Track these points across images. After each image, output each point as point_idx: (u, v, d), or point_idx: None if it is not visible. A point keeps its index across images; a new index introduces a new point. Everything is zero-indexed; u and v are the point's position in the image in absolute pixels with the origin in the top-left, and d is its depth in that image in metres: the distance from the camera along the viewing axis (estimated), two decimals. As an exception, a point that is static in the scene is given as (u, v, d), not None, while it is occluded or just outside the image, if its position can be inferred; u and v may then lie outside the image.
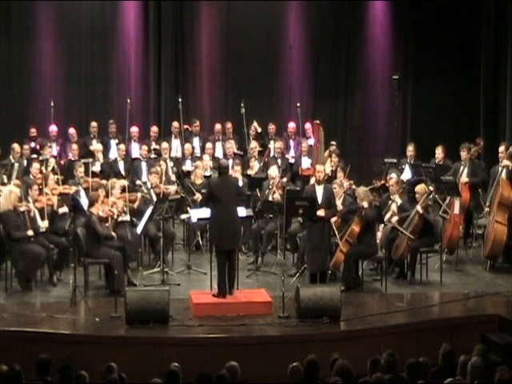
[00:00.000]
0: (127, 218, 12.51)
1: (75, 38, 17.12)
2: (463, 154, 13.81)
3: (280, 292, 10.73)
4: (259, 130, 16.05)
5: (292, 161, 15.87)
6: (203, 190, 13.18)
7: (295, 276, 12.17)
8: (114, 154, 15.75)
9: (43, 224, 12.01)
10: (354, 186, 13.32)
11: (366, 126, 17.88)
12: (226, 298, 10.92)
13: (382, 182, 13.58)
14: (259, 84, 17.33)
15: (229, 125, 16.43)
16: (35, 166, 13.83)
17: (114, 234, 12.07)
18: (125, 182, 13.77)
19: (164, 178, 13.79)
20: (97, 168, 14.76)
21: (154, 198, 13.12)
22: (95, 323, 10.36)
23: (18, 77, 16.96)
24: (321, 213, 11.89)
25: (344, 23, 17.76)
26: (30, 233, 11.70)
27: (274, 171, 13.82)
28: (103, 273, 12.03)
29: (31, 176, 13.58)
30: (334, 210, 12.16)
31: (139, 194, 13.31)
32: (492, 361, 8.36)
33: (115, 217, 12.15)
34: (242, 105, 16.24)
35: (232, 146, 15.72)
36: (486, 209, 13.17)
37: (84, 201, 12.45)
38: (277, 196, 13.38)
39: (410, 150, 14.78)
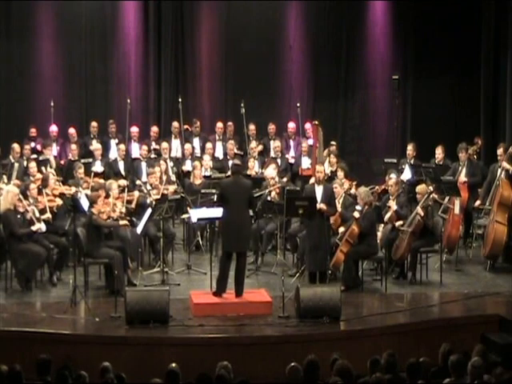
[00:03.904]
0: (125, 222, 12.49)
1: (75, 37, 17.11)
2: (461, 156, 13.84)
3: (280, 292, 10.73)
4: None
5: (292, 161, 15.89)
6: (203, 190, 13.23)
7: (295, 276, 12.17)
8: (114, 154, 15.76)
9: (42, 225, 11.96)
10: (353, 190, 13.30)
11: (365, 126, 17.88)
12: (222, 297, 10.94)
13: (383, 187, 13.57)
14: (259, 84, 17.33)
15: (230, 124, 16.44)
16: (32, 165, 13.85)
17: (123, 222, 12.12)
18: (124, 182, 13.78)
19: (164, 179, 13.78)
20: (97, 168, 14.76)
21: (152, 199, 13.12)
22: (95, 323, 10.36)
23: (18, 77, 16.96)
24: (323, 206, 11.85)
25: (344, 23, 17.76)
26: (35, 227, 11.69)
27: (270, 172, 13.82)
28: (103, 273, 12.03)
29: (31, 177, 13.60)
30: (333, 208, 12.16)
31: (136, 193, 13.32)
32: (492, 361, 8.35)
33: (115, 217, 12.15)
34: (242, 105, 16.25)
35: (233, 146, 15.73)
36: (478, 201, 13.23)
37: (84, 201, 12.45)
38: (274, 195, 13.39)
39: (410, 149, 14.77)
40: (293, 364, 7.70)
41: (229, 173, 14.24)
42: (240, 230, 10.97)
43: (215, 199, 11.99)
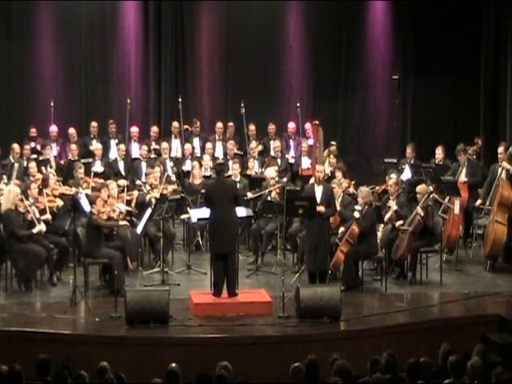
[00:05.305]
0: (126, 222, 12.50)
1: (75, 37, 17.11)
2: (460, 158, 13.85)
3: (280, 292, 10.73)
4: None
5: (292, 161, 15.88)
6: (203, 190, 13.23)
7: (297, 273, 12.16)
8: (114, 154, 15.76)
9: (43, 226, 11.92)
10: (351, 189, 13.31)
11: (365, 126, 17.88)
12: (222, 297, 10.94)
13: (383, 187, 13.58)
14: (259, 84, 17.32)
15: (230, 124, 16.45)
16: (32, 165, 13.86)
17: (123, 222, 12.12)
18: (124, 182, 13.78)
19: (164, 179, 13.77)
20: (97, 168, 14.77)
21: (148, 197, 13.13)
22: (95, 323, 10.37)
23: (18, 77, 16.97)
24: (320, 208, 11.87)
25: (344, 23, 17.76)
26: (36, 230, 11.69)
27: (270, 172, 13.83)
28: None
29: (31, 177, 13.60)
30: (333, 209, 12.17)
31: (136, 193, 13.33)
32: (492, 361, 8.35)
33: (115, 217, 12.15)
34: (242, 105, 16.25)
35: (233, 146, 15.73)
36: (478, 201, 13.24)
37: (84, 201, 12.46)
38: (274, 195, 13.40)
39: (409, 152, 14.80)
40: (296, 364, 7.70)
41: (229, 172, 14.31)
42: (226, 230, 10.94)
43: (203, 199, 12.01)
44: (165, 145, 15.55)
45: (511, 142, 14.59)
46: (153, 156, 15.56)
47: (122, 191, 13.16)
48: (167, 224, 13.06)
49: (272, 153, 15.82)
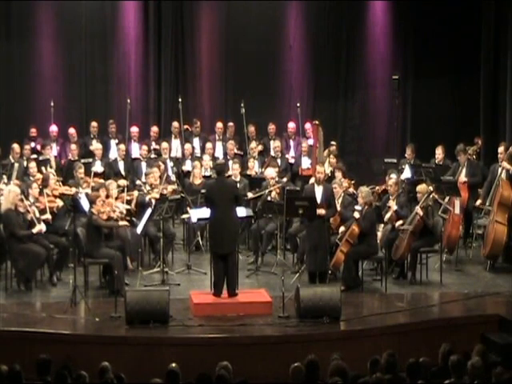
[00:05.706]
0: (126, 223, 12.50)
1: (75, 37, 17.11)
2: (460, 158, 13.85)
3: (280, 292, 10.73)
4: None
5: (292, 161, 15.89)
6: (203, 190, 13.24)
7: (297, 273, 12.16)
8: (114, 154, 15.77)
9: (42, 226, 11.91)
10: (351, 189, 13.32)
11: (365, 126, 17.89)
12: (222, 297, 10.94)
13: (383, 187, 13.58)
14: (259, 84, 17.33)
15: (231, 124, 16.45)
16: (32, 165, 13.86)
17: (123, 222, 12.13)
18: (124, 182, 13.79)
19: (164, 178, 13.78)
20: (97, 168, 14.77)
21: (148, 197, 13.14)
22: (95, 323, 10.36)
23: (18, 77, 16.98)
24: (321, 211, 11.89)
25: (344, 23, 17.77)
26: (36, 230, 11.68)
27: (270, 172, 13.83)
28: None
29: (31, 177, 13.60)
30: (333, 209, 12.18)
31: (136, 193, 13.33)
32: (492, 361, 8.36)
33: (115, 217, 12.14)
34: (242, 105, 16.26)
35: (233, 146, 15.74)
36: (479, 201, 13.23)
37: (84, 201, 12.45)
38: (274, 195, 13.40)
39: (409, 153, 14.81)
40: (296, 364, 7.70)
41: (229, 172, 14.31)
42: (226, 231, 10.93)
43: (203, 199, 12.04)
44: (165, 145, 15.56)
45: (511, 142, 14.58)
46: (153, 156, 15.57)
47: (122, 191, 13.16)
48: (167, 224, 13.06)
49: (272, 153, 15.83)
